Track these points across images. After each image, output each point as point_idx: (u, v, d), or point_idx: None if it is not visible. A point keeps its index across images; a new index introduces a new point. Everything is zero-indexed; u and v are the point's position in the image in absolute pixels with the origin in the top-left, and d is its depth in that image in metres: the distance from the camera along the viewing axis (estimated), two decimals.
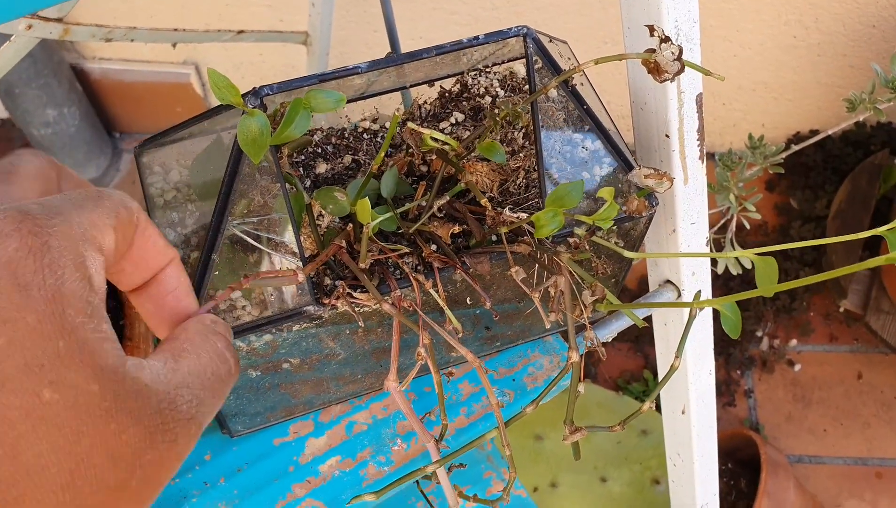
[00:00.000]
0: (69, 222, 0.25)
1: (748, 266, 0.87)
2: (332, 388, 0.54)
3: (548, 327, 0.46)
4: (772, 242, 1.31)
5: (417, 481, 0.60)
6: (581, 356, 0.56)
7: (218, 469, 0.54)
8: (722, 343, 1.25)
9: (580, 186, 0.40)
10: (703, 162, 0.55)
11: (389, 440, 0.56)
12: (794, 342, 1.26)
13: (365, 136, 0.54)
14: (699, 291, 0.46)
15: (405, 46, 0.74)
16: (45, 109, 1.33)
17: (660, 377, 0.72)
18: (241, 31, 0.94)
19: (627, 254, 0.44)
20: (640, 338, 1.26)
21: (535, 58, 0.43)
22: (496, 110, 0.44)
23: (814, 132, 1.39)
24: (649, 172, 0.45)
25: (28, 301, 0.23)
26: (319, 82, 0.41)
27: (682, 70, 0.41)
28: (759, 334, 1.26)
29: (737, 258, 0.91)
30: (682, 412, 0.71)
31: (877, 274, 1.23)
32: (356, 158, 0.53)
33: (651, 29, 0.41)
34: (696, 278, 0.61)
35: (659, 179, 0.45)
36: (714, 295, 1.30)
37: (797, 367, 1.24)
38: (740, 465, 1.06)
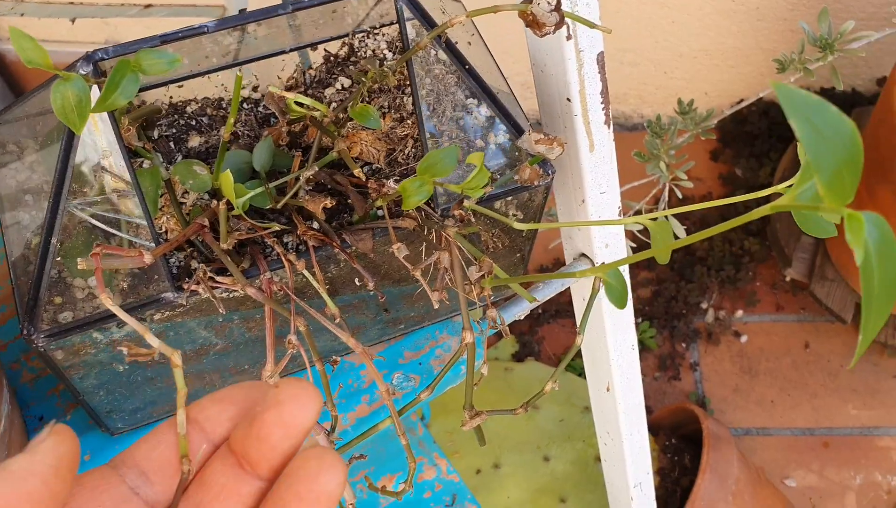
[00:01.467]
0: None
1: (682, 236, 0.84)
2: (217, 380, 0.50)
3: (435, 306, 0.42)
4: (716, 211, 1.29)
5: None
6: (484, 334, 0.53)
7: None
8: (666, 317, 1.23)
9: (454, 152, 0.36)
10: (609, 127, 0.52)
11: None
12: (739, 312, 1.24)
13: (245, 105, 0.50)
14: (602, 262, 0.43)
15: None
16: None
17: (584, 358, 0.69)
18: (148, 6, 0.88)
19: (516, 225, 0.41)
20: None
21: (405, 11, 0.40)
22: (361, 76, 0.40)
23: (759, 99, 1.36)
24: (539, 137, 0.42)
25: None
26: (161, 43, 0.37)
27: (561, 22, 0.37)
28: (704, 305, 1.24)
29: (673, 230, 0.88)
30: (608, 390, 0.68)
31: (821, 242, 1.21)
32: (234, 130, 0.49)
33: None
34: (609, 250, 0.58)
35: (549, 144, 0.41)
36: (655, 267, 1.28)
37: (743, 338, 1.22)
38: (685, 440, 1.05)
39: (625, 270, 0.59)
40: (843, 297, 1.17)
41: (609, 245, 0.58)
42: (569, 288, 0.64)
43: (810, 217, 0.41)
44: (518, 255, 0.52)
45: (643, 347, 1.22)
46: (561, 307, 1.23)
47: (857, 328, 1.20)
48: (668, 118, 0.88)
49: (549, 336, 1.22)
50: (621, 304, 0.37)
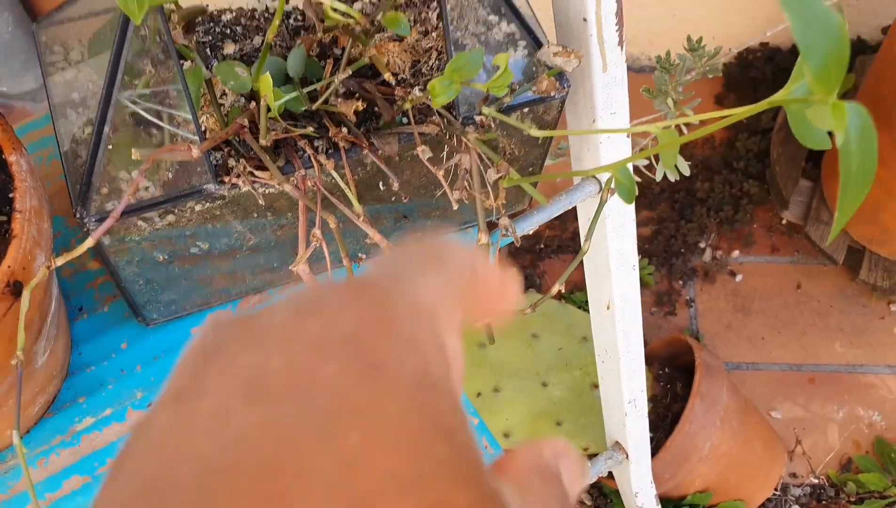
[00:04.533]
0: (415, 291, 0.20)
1: (687, 173, 0.87)
2: (248, 277, 0.54)
3: (455, 206, 0.46)
4: (717, 152, 1.31)
5: None
6: (497, 243, 0.56)
7: (134, 356, 0.54)
8: (665, 254, 1.27)
9: (480, 54, 0.39)
10: (622, 49, 0.54)
11: None
12: (736, 253, 1.28)
13: (288, 14, 0.52)
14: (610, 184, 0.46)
15: None
16: None
17: (586, 276, 0.73)
18: None
19: (532, 132, 0.44)
20: None
21: None
22: None
23: (764, 45, 1.38)
24: (557, 49, 0.44)
25: (386, 386, 0.17)
26: None
27: None
28: (702, 245, 1.28)
29: (676, 166, 0.91)
30: (608, 308, 0.72)
31: (818, 186, 1.24)
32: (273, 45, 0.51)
33: None
34: (622, 171, 0.61)
35: (567, 56, 0.44)
36: (656, 207, 1.31)
37: (738, 278, 1.26)
38: (677, 370, 1.09)
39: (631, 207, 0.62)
40: (836, 239, 1.21)
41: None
42: (576, 208, 0.68)
43: (805, 126, 0.44)
44: (530, 170, 0.55)
45: (642, 283, 1.25)
46: (563, 243, 1.27)
47: (848, 269, 1.24)
48: (676, 55, 0.90)
49: (550, 271, 1.26)
50: (629, 199, 0.40)
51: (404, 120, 0.47)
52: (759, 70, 1.36)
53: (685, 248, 1.27)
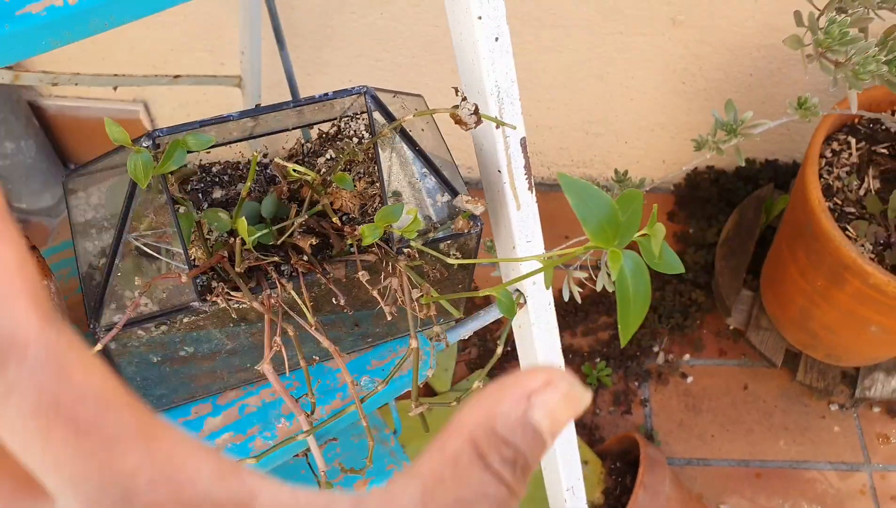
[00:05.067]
0: None
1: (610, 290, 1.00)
2: (226, 375, 0.65)
3: (388, 317, 0.58)
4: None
5: (307, 458, 0.72)
6: (432, 346, 0.68)
7: None
8: (621, 358, 1.38)
9: (400, 208, 0.52)
10: (532, 192, 0.68)
11: (275, 419, 0.67)
12: (687, 356, 1.39)
13: (257, 168, 0.66)
14: (519, 296, 0.58)
15: (336, 86, 0.87)
16: (3, 142, 1.44)
17: None
18: (177, 76, 1.06)
19: (449, 260, 0.57)
20: None
21: (373, 110, 0.56)
22: (341, 152, 0.57)
23: (710, 168, 1.54)
24: (467, 198, 0.58)
25: None
26: (200, 127, 0.53)
27: (479, 122, 0.53)
28: (656, 349, 1.39)
29: (608, 275, 1.04)
30: None
31: (757, 296, 1.36)
32: (250, 192, 0.65)
33: (455, 90, 0.54)
34: (536, 286, 0.73)
35: (475, 203, 0.57)
36: (613, 314, 1.42)
37: (689, 379, 1.37)
38: (628, 465, 1.18)
39: (550, 316, 0.75)
40: (774, 344, 1.32)
41: (535, 283, 0.73)
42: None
43: (658, 262, 0.56)
44: (460, 286, 0.68)
45: (600, 384, 1.36)
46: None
47: (788, 371, 1.35)
48: (608, 179, 1.05)
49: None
50: (510, 313, 0.52)
51: (351, 249, 0.60)
52: (706, 190, 1.51)
53: (640, 351, 1.39)
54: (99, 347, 0.54)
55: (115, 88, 1.00)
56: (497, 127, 0.63)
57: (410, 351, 0.59)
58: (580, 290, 1.03)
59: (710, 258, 1.44)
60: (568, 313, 1.44)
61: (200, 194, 0.64)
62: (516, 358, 1.40)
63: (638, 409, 1.35)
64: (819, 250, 1.08)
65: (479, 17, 0.57)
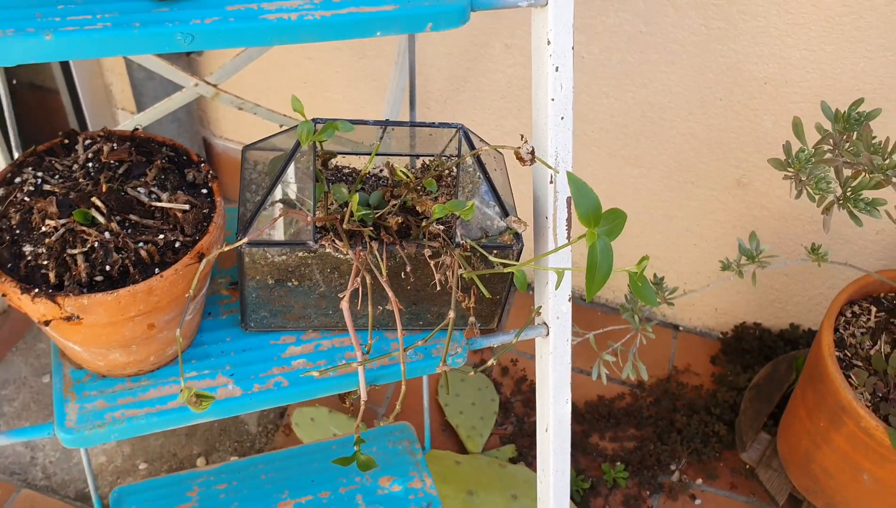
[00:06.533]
0: None
1: (644, 378, 1.18)
2: (313, 316, 0.88)
3: (437, 287, 0.80)
4: (701, 398, 1.59)
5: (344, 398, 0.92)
6: (465, 342, 0.88)
7: (232, 347, 0.88)
8: (640, 465, 1.51)
9: (464, 203, 0.75)
10: (568, 239, 0.89)
11: (338, 359, 0.88)
12: (699, 480, 1.51)
13: (374, 175, 0.91)
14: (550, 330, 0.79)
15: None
16: None
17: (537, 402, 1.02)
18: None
19: (492, 258, 0.78)
20: None
21: (463, 143, 0.80)
22: (432, 166, 0.81)
23: (757, 324, 1.70)
24: (513, 218, 0.80)
25: None
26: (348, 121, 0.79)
27: (533, 161, 0.77)
28: (673, 467, 1.52)
29: (636, 368, 1.22)
30: (546, 430, 1.01)
31: (774, 440, 1.49)
32: (363, 182, 0.90)
33: (521, 136, 0.78)
34: (559, 321, 0.94)
35: (519, 224, 0.80)
36: (643, 429, 1.57)
37: (698, 501, 1.48)
38: None
39: (566, 351, 0.94)
40: (780, 485, 1.43)
41: (559, 318, 0.93)
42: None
43: (640, 291, 0.76)
44: (497, 297, 0.89)
45: (615, 484, 1.50)
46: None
47: None
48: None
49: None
50: (522, 287, 0.73)
51: (423, 238, 0.83)
52: (749, 342, 1.67)
53: (658, 465, 1.52)
54: (244, 241, 0.78)
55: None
56: (551, 182, 0.86)
57: (448, 320, 0.80)
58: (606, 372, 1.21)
59: (739, 400, 1.57)
60: (601, 419, 1.60)
61: (332, 177, 0.89)
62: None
63: None
64: (823, 391, 1.23)
65: (553, 99, 0.82)
